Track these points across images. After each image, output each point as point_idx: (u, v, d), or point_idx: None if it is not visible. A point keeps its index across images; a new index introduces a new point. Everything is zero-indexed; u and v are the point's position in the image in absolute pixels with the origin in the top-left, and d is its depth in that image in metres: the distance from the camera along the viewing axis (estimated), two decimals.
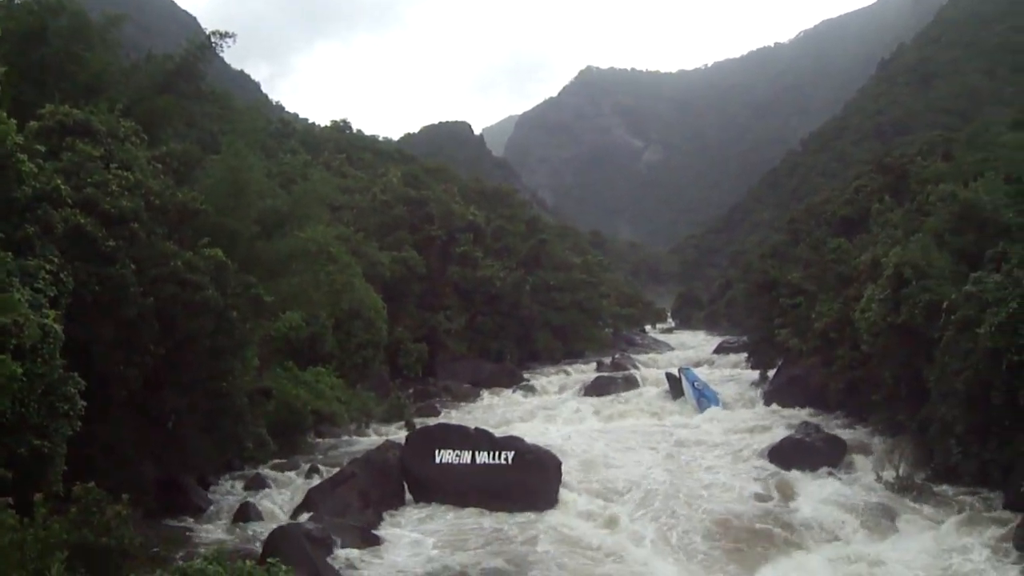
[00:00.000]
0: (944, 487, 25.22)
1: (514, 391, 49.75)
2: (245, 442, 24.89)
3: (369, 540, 21.77)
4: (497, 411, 42.31)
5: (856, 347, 32.48)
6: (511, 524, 23.47)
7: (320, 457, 30.13)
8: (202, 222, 23.86)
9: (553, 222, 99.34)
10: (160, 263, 20.71)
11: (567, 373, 57.30)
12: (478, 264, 58.38)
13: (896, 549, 21.52)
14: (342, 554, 20.31)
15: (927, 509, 23.96)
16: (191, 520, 22.56)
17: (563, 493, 25.40)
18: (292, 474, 27.42)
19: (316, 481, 25.48)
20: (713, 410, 40.70)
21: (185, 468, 23.29)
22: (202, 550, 15.69)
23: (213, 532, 21.79)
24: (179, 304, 20.51)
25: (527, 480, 24.89)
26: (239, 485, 25.84)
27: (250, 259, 25.34)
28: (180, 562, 12.09)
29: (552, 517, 24.01)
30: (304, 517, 22.47)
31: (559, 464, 25.83)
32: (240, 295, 22.82)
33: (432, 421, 34.57)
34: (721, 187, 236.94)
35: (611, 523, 23.63)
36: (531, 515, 23.99)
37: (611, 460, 30.07)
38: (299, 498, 24.15)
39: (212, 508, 23.74)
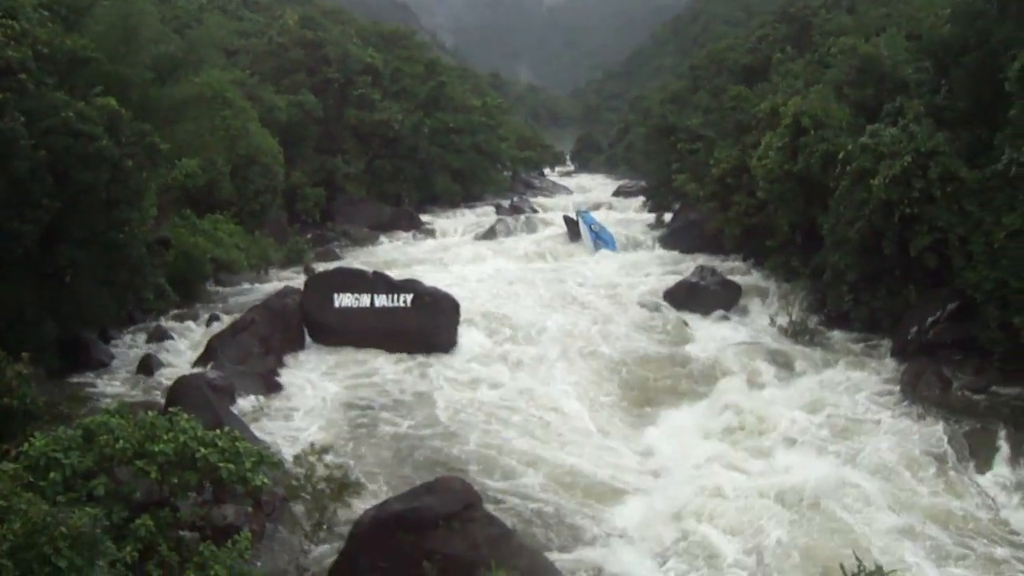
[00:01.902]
0: (835, 333, 25.85)
1: (413, 235, 49.32)
2: (144, 293, 24.10)
3: (271, 386, 21.64)
4: (396, 255, 41.88)
5: (752, 194, 32.58)
6: (410, 365, 23.52)
7: (220, 305, 29.45)
8: (93, 70, 22.52)
9: (453, 64, 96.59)
10: (51, 114, 19.41)
11: (466, 216, 57.05)
12: (376, 107, 56.77)
13: (787, 390, 22.05)
14: (245, 401, 20.08)
15: (818, 353, 24.52)
16: (94, 376, 21.96)
17: (462, 334, 25.42)
18: (193, 324, 26.75)
19: (217, 329, 24.93)
20: (609, 253, 40.87)
21: (86, 323, 22.43)
22: (106, 404, 15.17)
23: (116, 386, 21.26)
24: (72, 156, 19.35)
25: (426, 322, 24.83)
26: (141, 338, 25.12)
27: (144, 107, 24.21)
28: (84, 418, 11.58)
29: (451, 358, 24.18)
30: (206, 366, 22.02)
31: (457, 306, 25.76)
32: (135, 144, 21.70)
33: (331, 266, 34.01)
34: (624, 32, 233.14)
35: (509, 363, 23.81)
36: (430, 356, 24.02)
37: (509, 302, 30.09)
38: (201, 347, 23.65)
39: (115, 362, 23.11)
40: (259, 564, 11.90)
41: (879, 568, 2.81)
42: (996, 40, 22.40)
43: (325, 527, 12.95)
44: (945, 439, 18.57)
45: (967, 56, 23.48)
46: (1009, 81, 21.08)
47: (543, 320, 27.36)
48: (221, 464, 11.06)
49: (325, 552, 13.18)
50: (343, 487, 13.12)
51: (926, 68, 26.16)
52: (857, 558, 3.13)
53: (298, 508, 13.13)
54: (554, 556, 13.90)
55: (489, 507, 13.79)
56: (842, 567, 3.01)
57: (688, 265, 35.15)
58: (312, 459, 13.01)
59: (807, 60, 38.23)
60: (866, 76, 29.23)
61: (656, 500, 16.28)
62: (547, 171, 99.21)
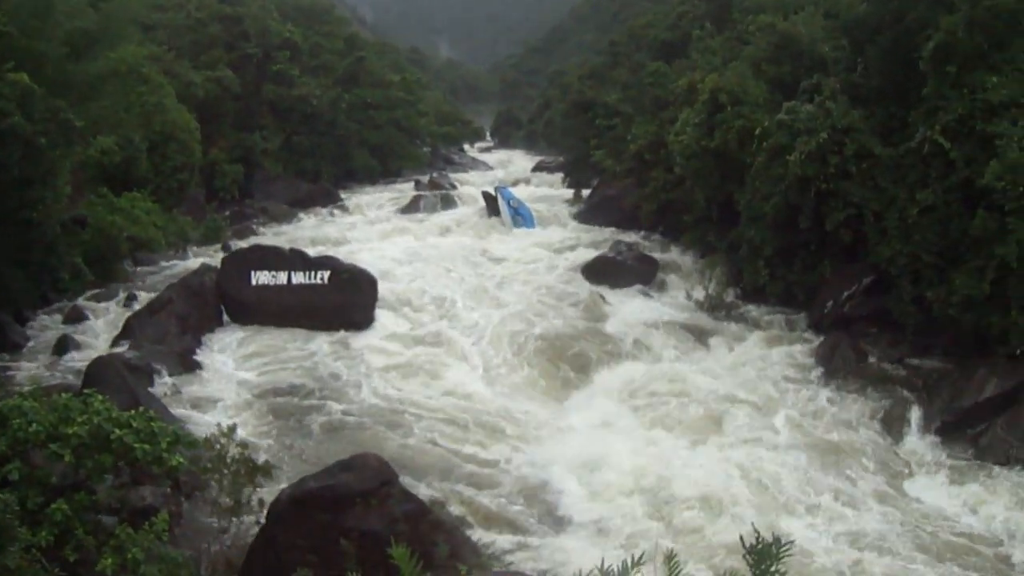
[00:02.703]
0: (751, 307, 25.91)
1: (331, 211, 48.46)
2: (60, 273, 23.49)
3: (189, 365, 21.07)
4: (314, 231, 40.99)
5: (670, 169, 32.46)
6: (328, 343, 23.06)
7: (138, 284, 28.55)
8: (5, 45, 21.65)
9: (372, 39, 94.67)
10: None
11: (384, 192, 56.24)
12: (294, 82, 55.53)
13: (704, 363, 22.20)
14: (163, 381, 19.54)
15: (735, 327, 24.65)
16: (9, 358, 21.12)
17: (379, 311, 25.01)
18: (110, 303, 25.86)
19: (134, 309, 24.16)
20: (528, 229, 40.58)
21: None
22: (21, 387, 14.59)
23: (32, 368, 20.46)
24: None
25: (343, 299, 24.38)
26: (57, 319, 24.25)
27: (58, 83, 23.35)
28: None
29: (369, 335, 23.77)
30: (123, 346, 21.33)
31: (375, 282, 25.36)
32: (49, 121, 21.00)
33: (250, 243, 33.25)
34: (544, 7, 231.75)
35: (426, 340, 23.48)
36: (347, 334, 23.59)
37: (427, 278, 29.62)
38: (118, 327, 22.88)
39: (30, 344, 22.30)
40: (178, 545, 11.51)
41: (777, 539, 2.71)
42: (911, 19, 22.46)
43: (244, 506, 12.49)
44: (861, 410, 18.90)
45: (883, 35, 23.49)
46: (923, 60, 21.17)
47: (460, 297, 27.05)
48: (136, 445, 10.66)
49: (243, 532, 12.84)
50: (257, 468, 12.72)
51: (843, 46, 26.24)
52: (755, 530, 2.98)
53: (216, 489, 12.69)
54: (473, 533, 13.79)
55: (408, 485, 13.55)
56: (741, 539, 2.91)
57: (606, 241, 34.93)
58: (224, 440, 12.56)
59: (726, 37, 38.14)
60: (784, 53, 29.17)
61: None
62: (466, 147, 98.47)
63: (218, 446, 12.45)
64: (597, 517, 14.84)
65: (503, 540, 14.00)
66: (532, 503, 15.34)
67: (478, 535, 13.88)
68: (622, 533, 14.23)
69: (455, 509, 14.67)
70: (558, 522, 14.80)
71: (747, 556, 3.16)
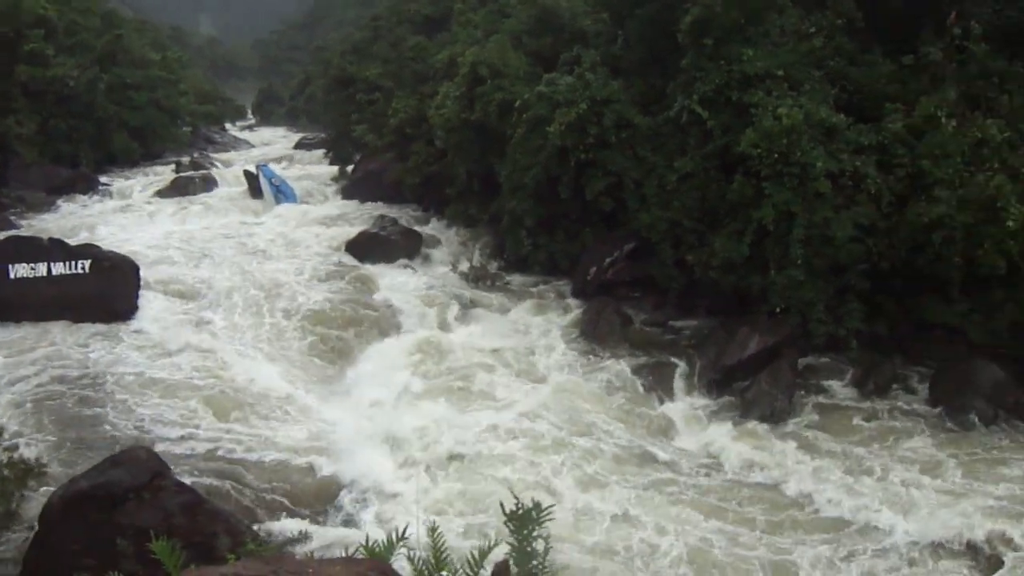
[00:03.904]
0: (516, 276, 25.64)
1: (91, 197, 44.86)
2: None
3: None
4: (75, 219, 37.67)
5: (431, 143, 31.79)
6: (91, 335, 20.98)
7: None
8: None
9: (131, 16, 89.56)
10: None
11: (145, 175, 52.68)
12: (49, 63, 51.21)
13: (471, 333, 21.77)
14: None
15: (500, 297, 24.29)
16: None
17: (144, 298, 22.99)
18: None
19: None
20: (291, 206, 38.87)
21: None
22: None
23: None
24: None
25: (105, 288, 22.23)
26: None
27: None
28: None
29: (133, 325, 21.78)
30: None
31: (137, 269, 23.39)
32: None
33: (6, 235, 30.08)
34: None
35: (192, 326, 21.86)
36: (111, 324, 21.56)
37: (192, 262, 27.57)
38: None
39: None
40: None
41: (537, 504, 2.48)
42: None
43: (15, 514, 11.64)
44: (627, 373, 19.00)
45: (642, 8, 23.62)
46: (681, 33, 21.49)
47: (226, 279, 25.18)
48: None
49: (18, 538, 12.06)
50: (27, 471, 11.93)
51: (604, 19, 26.45)
52: (514, 495, 2.64)
53: None
54: (256, 520, 13.25)
55: (184, 474, 13.05)
56: (501, 505, 2.62)
57: (370, 216, 33.83)
58: None
59: (487, 11, 37.79)
60: (545, 26, 29.09)
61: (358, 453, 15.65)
62: (228, 126, 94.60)
63: None
64: (384, 491, 14.56)
65: (290, 525, 13.35)
66: (313, 484, 14.81)
67: (263, 523, 13.33)
68: (407, 506, 13.87)
69: (237, 496, 13.97)
70: (343, 501, 14.44)
71: (508, 522, 3.12)
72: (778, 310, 19.14)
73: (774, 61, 20.87)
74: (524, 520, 3.19)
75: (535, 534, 3.17)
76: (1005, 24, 20.99)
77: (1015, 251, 17.99)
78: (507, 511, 3.20)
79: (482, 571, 3.28)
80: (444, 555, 3.33)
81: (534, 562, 3.18)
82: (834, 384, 18.82)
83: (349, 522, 13.80)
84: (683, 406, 18.11)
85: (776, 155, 18.97)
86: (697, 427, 17.34)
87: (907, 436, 16.73)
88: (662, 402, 18.24)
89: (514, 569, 3.20)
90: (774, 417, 17.34)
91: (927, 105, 19.81)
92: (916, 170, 19.26)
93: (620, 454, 15.92)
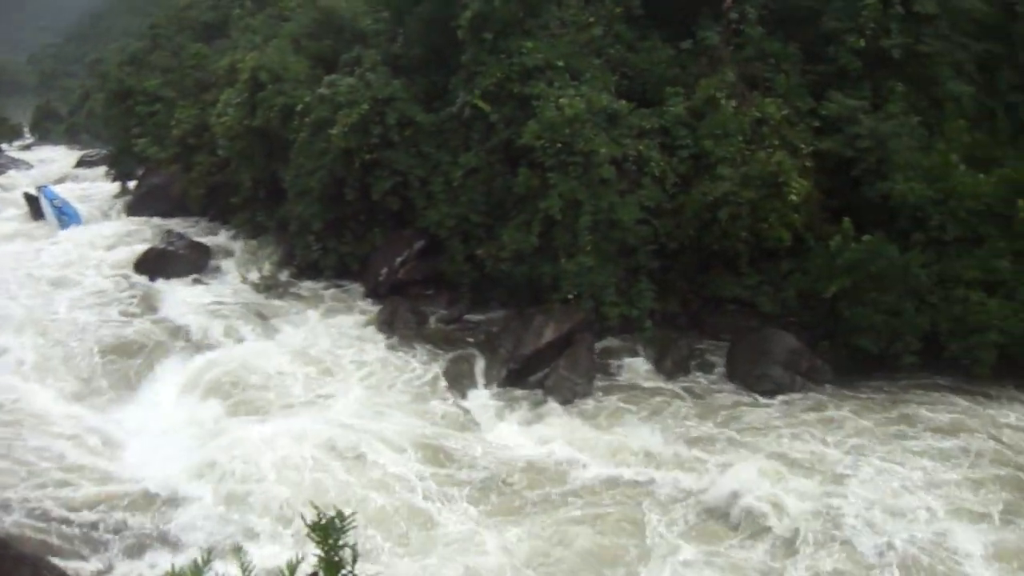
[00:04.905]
0: (307, 283, 24.86)
1: None
2: None
3: None
4: None
5: (215, 152, 30.53)
6: None
7: None
8: None
9: None
10: None
11: None
12: None
13: (267, 344, 20.91)
14: None
15: (293, 305, 23.48)
16: None
17: None
18: None
19: None
20: (75, 228, 36.75)
21: None
22: None
23: None
24: None
25: None
26: None
27: None
28: None
29: None
30: None
31: None
32: None
33: None
34: None
35: None
36: None
37: None
38: None
39: None
40: None
41: (339, 513, 2.22)
42: None
43: None
44: (427, 371, 18.74)
45: (421, 5, 23.37)
46: (461, 28, 21.34)
47: (9, 306, 23.50)
48: None
49: None
50: None
51: (384, 18, 25.91)
52: (314, 505, 2.38)
53: None
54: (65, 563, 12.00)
55: None
56: (302, 517, 2.38)
57: (156, 231, 32.22)
58: None
59: (267, 15, 36.75)
60: (325, 29, 28.51)
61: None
62: (4, 146, 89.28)
63: None
64: (187, 514, 13.85)
65: (94, 562, 12.71)
66: (115, 515, 13.84)
67: (70, 560, 12.45)
68: (212, 528, 13.43)
69: (40, 536, 13.07)
70: (146, 529, 13.59)
71: (311, 533, 3.09)
72: (571, 297, 19.22)
73: (554, 52, 20.99)
74: (327, 530, 3.13)
75: (340, 543, 3.12)
76: (779, 8, 21.87)
77: (799, 223, 18.78)
78: (309, 522, 3.15)
79: None
80: (251, 573, 3.27)
81: (343, 571, 3.13)
82: (632, 364, 19.17)
83: (152, 550, 13.05)
84: (484, 398, 17.94)
85: (559, 145, 19.06)
86: (498, 418, 17.17)
87: (706, 408, 17.23)
88: (464, 396, 17.99)
89: None
90: (575, 401, 17.43)
91: (707, 87, 20.51)
92: (699, 151, 20.00)
93: (425, 452, 15.62)
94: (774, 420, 16.56)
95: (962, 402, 16.97)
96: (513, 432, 16.57)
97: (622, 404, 17.42)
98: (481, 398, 17.99)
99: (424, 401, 17.63)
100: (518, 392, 18.11)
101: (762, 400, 17.44)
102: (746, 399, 17.58)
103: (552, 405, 17.30)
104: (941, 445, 15.19)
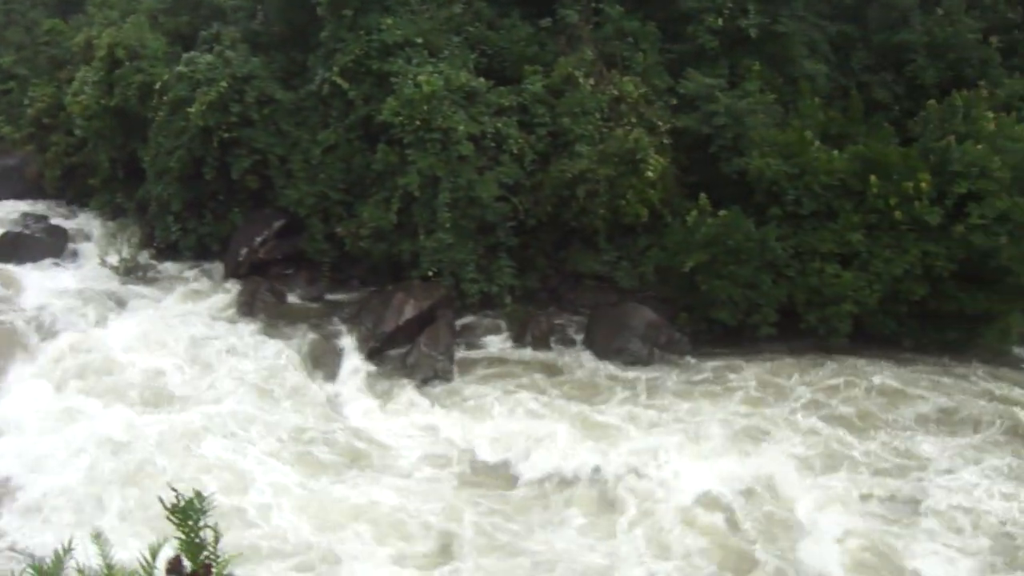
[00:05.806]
0: (167, 264, 24.13)
1: None
2: None
3: None
4: None
5: (71, 132, 29.36)
6: None
7: None
8: None
9: None
10: None
11: None
12: None
13: (127, 329, 20.13)
14: None
15: (154, 287, 22.86)
16: None
17: None
18: None
19: None
20: None
21: None
22: None
23: None
24: None
25: None
26: None
27: None
28: None
29: None
30: None
31: None
32: None
33: None
34: None
35: None
36: None
37: None
38: None
39: None
40: None
41: (198, 494, 2.27)
42: None
43: None
44: (287, 351, 18.50)
45: None
46: (320, 5, 21.09)
47: None
48: None
49: None
50: None
51: None
52: (174, 489, 2.36)
53: None
54: None
55: None
56: (161, 499, 2.36)
57: (11, 215, 31.06)
58: None
59: None
60: (181, 4, 27.78)
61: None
62: None
63: None
64: (54, 510, 13.71)
65: None
66: None
67: None
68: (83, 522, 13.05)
69: None
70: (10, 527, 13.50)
71: (171, 516, 3.04)
72: (431, 274, 19.29)
73: (413, 29, 20.85)
74: (187, 512, 3.04)
75: (200, 525, 3.04)
76: None
77: (656, 200, 19.18)
78: (167, 505, 3.05)
79: (156, 571, 3.13)
80: (112, 559, 3.10)
81: (205, 552, 3.04)
82: (493, 340, 19.37)
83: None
84: (345, 376, 17.93)
85: (418, 122, 19.00)
86: (360, 396, 17.22)
87: (567, 382, 17.57)
88: (323, 375, 17.95)
89: (187, 562, 3.06)
90: (437, 378, 17.59)
91: (565, 65, 20.67)
92: (557, 128, 20.18)
93: (290, 432, 15.64)
94: (620, 391, 16.99)
95: (806, 368, 17.70)
96: (378, 410, 16.67)
97: (482, 378, 17.68)
98: (344, 375, 17.96)
99: (286, 381, 17.40)
100: (379, 370, 18.09)
101: (621, 371, 17.82)
102: (605, 371, 17.96)
103: (412, 381, 17.39)
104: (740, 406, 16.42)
